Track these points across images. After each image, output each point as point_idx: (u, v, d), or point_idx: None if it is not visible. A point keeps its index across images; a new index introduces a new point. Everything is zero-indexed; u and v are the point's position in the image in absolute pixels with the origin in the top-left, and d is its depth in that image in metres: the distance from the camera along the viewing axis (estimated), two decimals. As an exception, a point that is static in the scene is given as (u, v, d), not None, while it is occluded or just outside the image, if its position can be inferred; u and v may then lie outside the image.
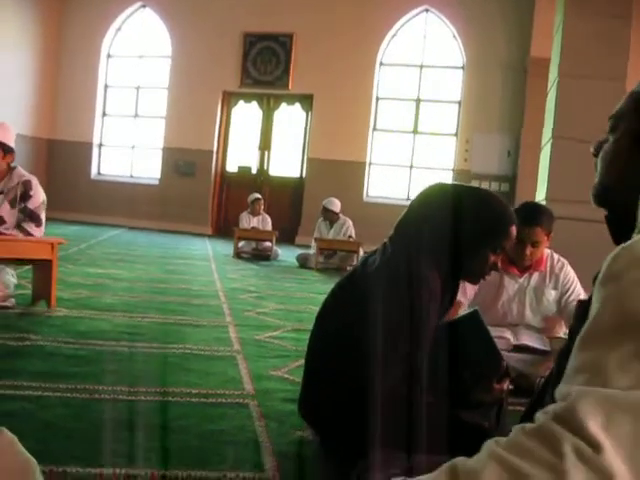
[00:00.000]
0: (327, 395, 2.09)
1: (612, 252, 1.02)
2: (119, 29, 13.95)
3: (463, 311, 3.14)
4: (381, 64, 12.86)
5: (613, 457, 0.82)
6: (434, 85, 12.84)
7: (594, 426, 0.83)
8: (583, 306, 1.08)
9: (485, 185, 12.02)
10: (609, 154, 1.20)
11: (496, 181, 12.02)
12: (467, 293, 3.42)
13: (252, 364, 3.19)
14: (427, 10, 12.62)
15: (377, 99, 12.90)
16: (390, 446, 1.86)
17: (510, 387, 3.01)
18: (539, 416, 0.90)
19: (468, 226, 2.03)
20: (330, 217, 8.55)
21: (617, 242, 1.10)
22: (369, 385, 1.92)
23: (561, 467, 0.83)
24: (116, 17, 13.74)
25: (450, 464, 0.94)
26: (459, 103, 12.57)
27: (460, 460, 0.95)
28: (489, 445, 0.91)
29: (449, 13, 12.35)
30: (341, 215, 8.58)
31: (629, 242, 1.01)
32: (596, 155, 1.24)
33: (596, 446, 0.82)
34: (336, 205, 8.55)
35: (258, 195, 9.60)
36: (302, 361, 2.33)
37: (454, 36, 12.48)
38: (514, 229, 2.12)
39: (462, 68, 12.53)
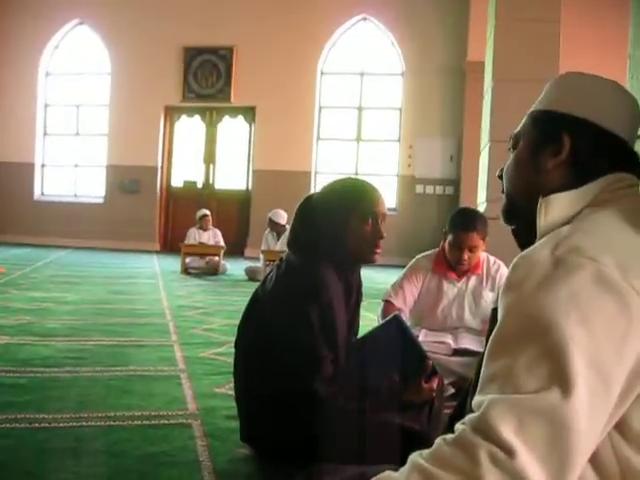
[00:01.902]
0: (263, 415, 2.13)
1: (513, 261, 1.06)
2: (57, 47, 13.78)
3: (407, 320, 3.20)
4: (322, 73, 12.97)
5: (527, 460, 0.86)
6: (375, 92, 12.99)
7: (506, 432, 0.87)
8: (495, 313, 1.13)
9: (430, 189, 12.21)
10: (511, 168, 1.26)
11: (440, 185, 12.20)
12: (407, 300, 3.48)
13: (196, 382, 3.19)
14: (365, 19, 12.78)
15: (320, 108, 12.99)
16: (328, 457, 1.89)
17: (451, 390, 3.08)
18: (458, 426, 0.94)
19: (335, 209, 2.13)
20: (277, 229, 8.54)
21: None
22: (300, 398, 1.97)
23: (477, 473, 0.86)
24: (53, 34, 13.59)
25: (376, 479, 0.98)
26: (400, 109, 12.73)
27: (385, 475, 0.98)
28: (413, 457, 0.95)
29: (387, 21, 12.52)
30: (288, 226, 8.55)
31: (526, 250, 1.05)
32: (502, 177, 1.29)
33: (509, 451, 0.86)
34: (282, 217, 8.54)
35: (206, 211, 9.55)
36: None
37: (392, 43, 12.66)
38: (378, 196, 2.20)
39: (401, 75, 12.69)
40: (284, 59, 12.59)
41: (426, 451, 0.94)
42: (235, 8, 12.68)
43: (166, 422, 2.59)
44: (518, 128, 1.27)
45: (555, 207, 1.11)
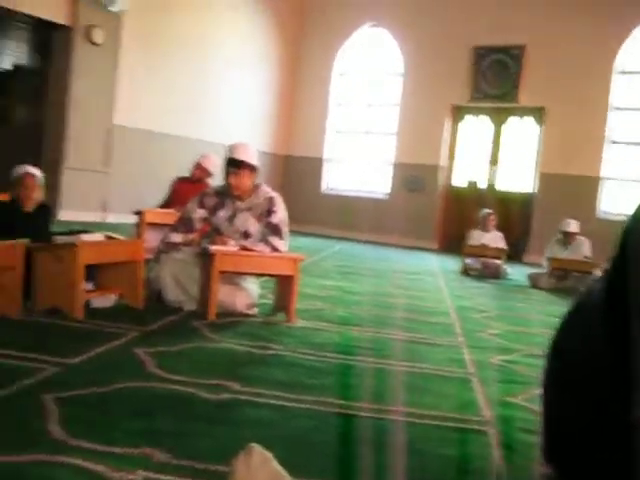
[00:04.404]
0: (571, 437, 1.98)
1: None
2: (351, 47, 14.41)
3: None
4: (619, 72, 12.08)
5: None
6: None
7: None
8: None
9: None
10: None
11: None
12: None
13: (487, 388, 3.11)
14: (675, 12, 11.68)
15: (613, 110, 12.12)
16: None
17: None
18: None
19: None
20: (567, 238, 8.19)
21: None
22: (618, 426, 1.79)
23: None
24: (349, 36, 14.21)
25: None
26: None
27: None
28: None
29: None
30: (577, 237, 8.17)
31: None
32: None
33: None
34: (574, 226, 8.16)
35: (489, 210, 9.37)
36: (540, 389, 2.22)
37: None
38: None
39: None
40: (577, 58, 11.95)
41: None
42: (527, 6, 12.30)
43: (460, 426, 2.55)
44: None
45: None
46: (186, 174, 6.96)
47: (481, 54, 12.85)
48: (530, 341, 4.43)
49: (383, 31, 13.91)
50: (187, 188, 6.58)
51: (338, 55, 14.38)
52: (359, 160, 14.48)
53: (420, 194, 13.29)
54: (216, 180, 6.44)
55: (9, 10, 9.22)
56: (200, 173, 6.83)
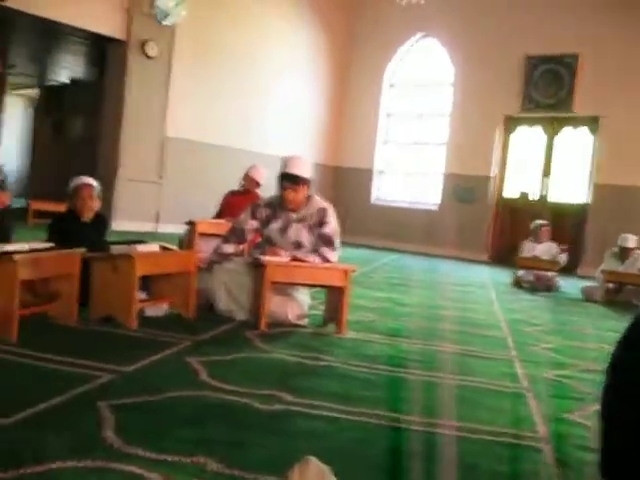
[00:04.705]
0: (631, 456, 1.92)
1: None
2: (401, 59, 14.38)
3: None
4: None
5: None
6: None
7: None
8: None
9: None
10: None
11: None
12: None
13: (542, 404, 3.05)
14: None
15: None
16: None
17: None
18: None
19: None
20: (624, 253, 8.01)
21: None
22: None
23: None
24: (399, 47, 14.18)
25: None
26: None
27: None
28: None
29: None
30: (635, 250, 8.01)
31: None
32: None
33: None
34: (633, 242, 7.99)
35: (542, 221, 9.19)
36: (598, 406, 2.17)
37: None
38: None
39: None
40: (633, 67, 11.71)
41: None
42: (580, 14, 12.09)
43: (514, 442, 2.50)
44: None
45: None
46: (236, 187, 7.05)
47: (533, 63, 12.69)
48: (586, 356, 4.34)
49: (433, 41, 13.86)
50: (238, 200, 6.66)
51: (388, 65, 14.36)
52: (409, 171, 14.43)
53: (471, 205, 13.16)
54: (265, 190, 6.50)
55: (67, 25, 9.47)
56: (248, 184, 6.92)
